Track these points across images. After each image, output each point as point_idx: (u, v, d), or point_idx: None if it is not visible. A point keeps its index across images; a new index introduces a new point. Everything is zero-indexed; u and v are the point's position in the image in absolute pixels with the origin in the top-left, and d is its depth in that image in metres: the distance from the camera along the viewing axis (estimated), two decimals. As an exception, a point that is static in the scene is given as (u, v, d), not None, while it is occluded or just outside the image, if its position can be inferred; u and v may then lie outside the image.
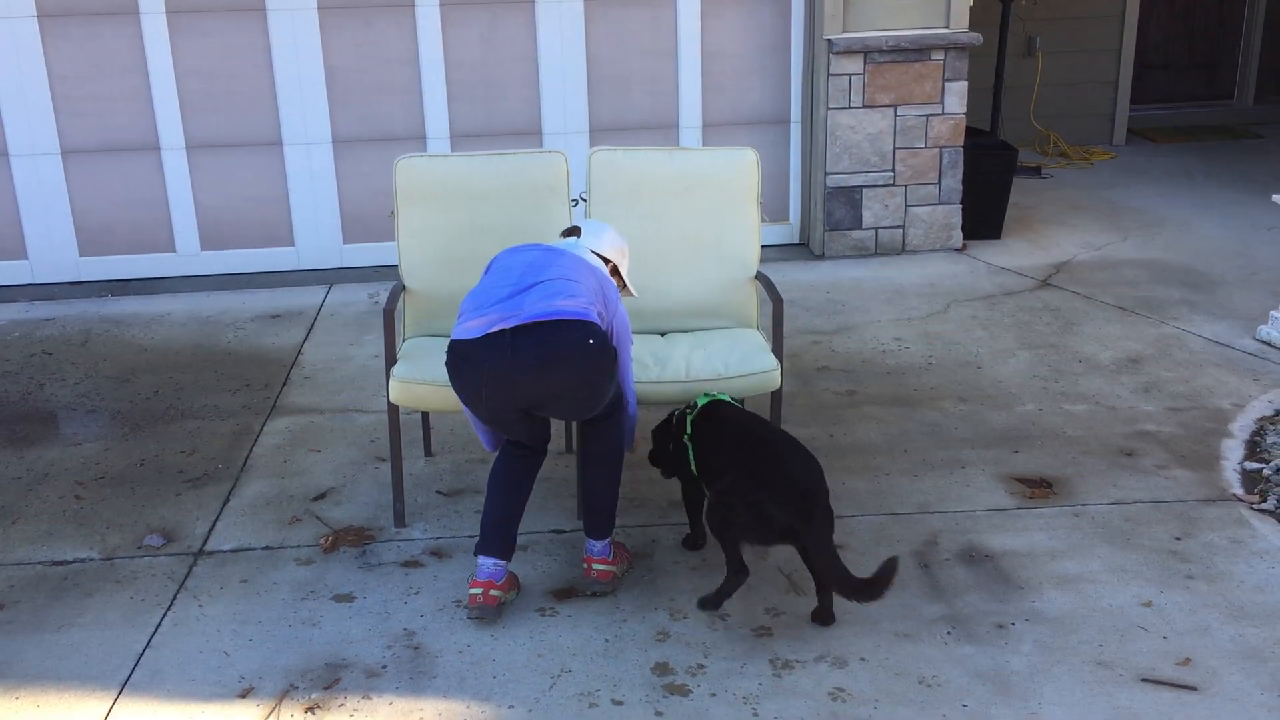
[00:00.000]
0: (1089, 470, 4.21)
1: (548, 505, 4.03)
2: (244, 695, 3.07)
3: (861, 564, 3.65)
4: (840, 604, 3.45)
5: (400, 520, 3.92)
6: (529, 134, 6.43)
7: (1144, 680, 3.08)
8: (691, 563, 3.67)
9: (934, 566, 3.63)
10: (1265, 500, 3.97)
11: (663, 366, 3.85)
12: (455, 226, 4.10)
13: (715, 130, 6.58)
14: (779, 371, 3.86)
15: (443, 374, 3.80)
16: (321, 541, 3.80)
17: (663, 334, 4.17)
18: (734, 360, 3.89)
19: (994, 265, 6.42)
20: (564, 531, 3.87)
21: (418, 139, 6.36)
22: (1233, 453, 4.32)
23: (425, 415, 4.40)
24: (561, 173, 4.10)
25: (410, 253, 4.10)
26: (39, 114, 6.14)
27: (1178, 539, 3.76)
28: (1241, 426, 4.51)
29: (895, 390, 4.91)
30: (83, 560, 3.75)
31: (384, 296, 4.01)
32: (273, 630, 3.35)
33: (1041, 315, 5.69)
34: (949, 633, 3.30)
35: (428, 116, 6.37)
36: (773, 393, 3.89)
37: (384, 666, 3.20)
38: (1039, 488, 4.11)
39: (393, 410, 3.87)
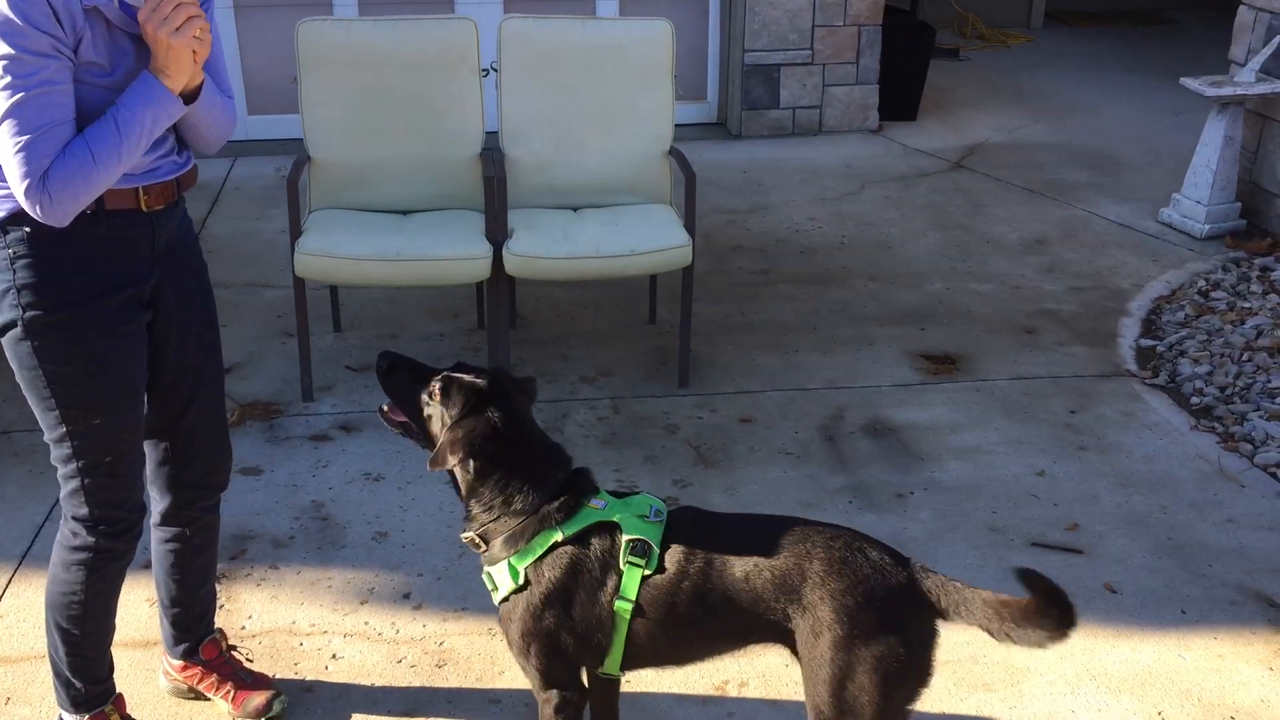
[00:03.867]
0: (991, 347, 4.31)
1: (459, 380, 4.02)
2: (148, 566, 3.05)
3: (770, 437, 3.72)
4: (752, 474, 3.52)
5: (308, 395, 3.88)
6: (441, 1, 6.23)
7: (1033, 544, 3.20)
8: (601, 436, 3.71)
9: (839, 439, 3.71)
10: (1157, 376, 4.11)
11: (573, 242, 3.82)
12: (361, 95, 3.98)
13: (634, 3, 6.44)
14: (690, 248, 3.85)
15: (350, 247, 3.75)
16: (228, 416, 3.75)
17: (575, 209, 4.13)
18: (645, 236, 3.87)
19: (909, 147, 6.44)
20: (475, 406, 3.86)
21: (323, 4, 6.13)
22: (1129, 331, 4.44)
23: (333, 290, 4.33)
24: (471, 41, 3.99)
25: (314, 122, 3.98)
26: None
27: (1073, 412, 3.88)
28: (1139, 305, 4.63)
29: (808, 269, 4.94)
30: (-21, 435, 3.67)
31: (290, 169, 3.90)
32: (178, 503, 3.31)
33: (953, 197, 5.74)
34: (850, 502, 3.39)
35: (335, -17, 6.13)
36: (684, 270, 3.89)
37: (291, 537, 3.20)
38: (943, 364, 4.19)
39: (299, 284, 3.81)
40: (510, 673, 2.71)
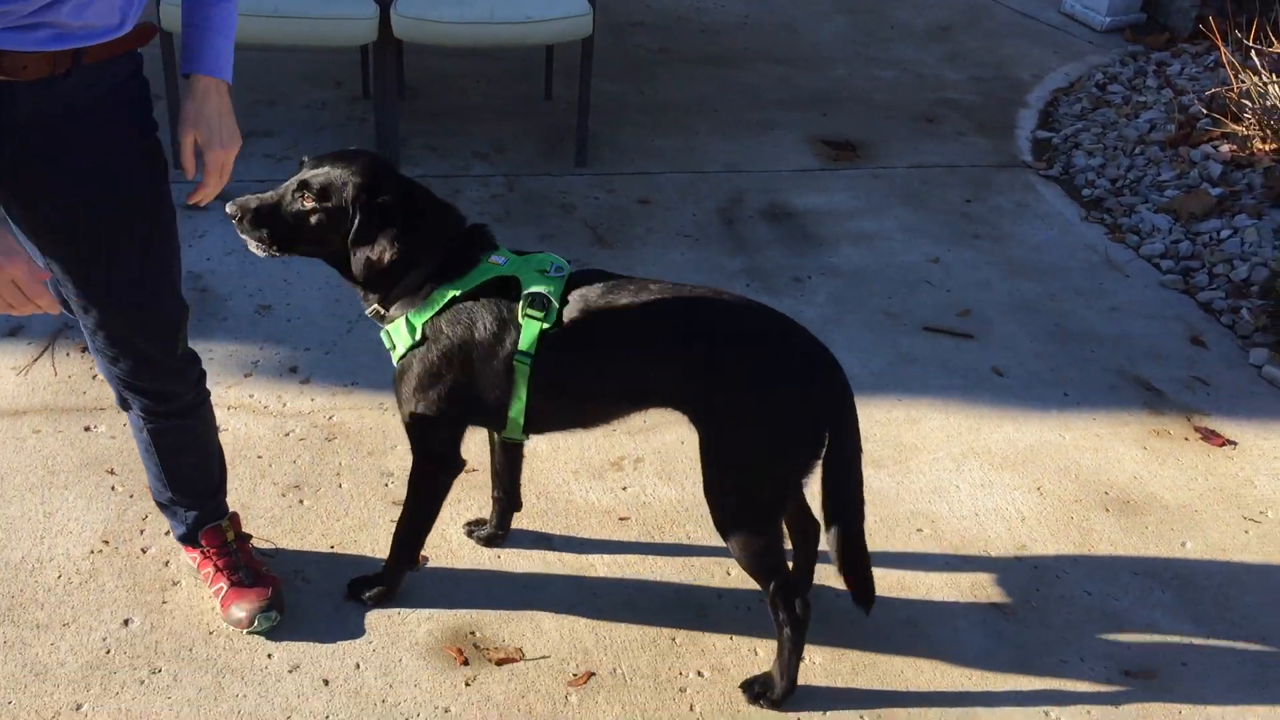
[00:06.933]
0: (892, 135, 4.26)
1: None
2: (13, 334, 2.89)
3: (669, 219, 3.64)
4: (650, 255, 3.45)
5: (179, 161, 3.64)
6: None
7: (926, 329, 3.23)
8: (495, 213, 3.58)
9: (738, 223, 3.66)
10: (1052, 167, 4.12)
11: (466, 5, 3.60)
12: None
13: None
14: (591, 18, 3.66)
15: None
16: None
17: (468, -29, 3.87)
18: (543, 2, 3.66)
19: (815, -75, 6.19)
20: (361, 179, 3.69)
21: None
22: (1026, 122, 4.43)
23: (205, 51, 4.02)
24: None
25: None
26: None
27: (968, 201, 3.88)
28: (1037, 97, 4.61)
29: (709, 49, 4.78)
30: None
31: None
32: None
33: (859, -21, 5.57)
34: (748, 285, 3.36)
35: None
36: (583, 42, 3.71)
37: (169, 309, 3.05)
38: (844, 150, 4.13)
39: (165, 40, 3.52)
40: (402, 447, 2.66)
